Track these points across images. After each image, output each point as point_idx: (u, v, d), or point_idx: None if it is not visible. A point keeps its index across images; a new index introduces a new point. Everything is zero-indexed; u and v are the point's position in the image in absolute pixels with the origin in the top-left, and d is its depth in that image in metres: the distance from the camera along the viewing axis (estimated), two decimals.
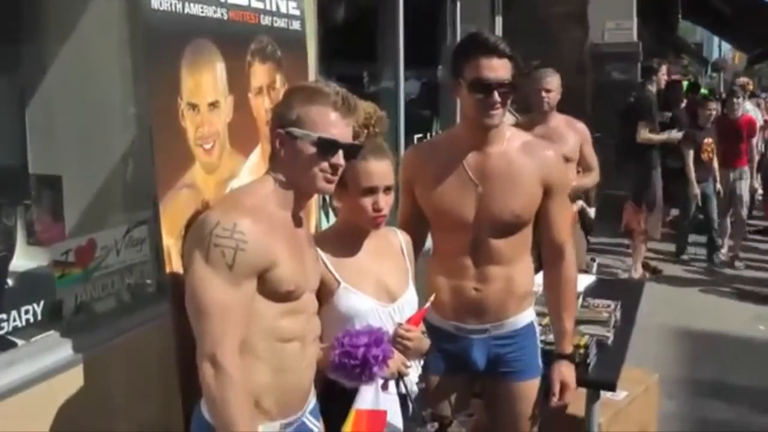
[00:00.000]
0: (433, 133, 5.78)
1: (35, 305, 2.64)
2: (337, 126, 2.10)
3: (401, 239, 2.59)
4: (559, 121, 4.92)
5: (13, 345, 2.61)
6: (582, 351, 3.17)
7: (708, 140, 7.97)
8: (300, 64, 2.98)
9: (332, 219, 3.74)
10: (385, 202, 2.39)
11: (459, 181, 2.64)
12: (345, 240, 2.46)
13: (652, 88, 7.75)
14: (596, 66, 10.30)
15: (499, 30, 7.27)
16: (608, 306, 3.71)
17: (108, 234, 2.88)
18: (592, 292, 4.01)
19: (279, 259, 2.03)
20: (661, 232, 9.58)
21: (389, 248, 2.57)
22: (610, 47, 10.19)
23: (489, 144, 2.64)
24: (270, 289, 2.04)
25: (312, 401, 2.29)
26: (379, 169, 2.36)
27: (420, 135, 5.47)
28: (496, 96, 2.51)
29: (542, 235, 2.79)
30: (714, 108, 8.17)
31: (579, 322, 3.48)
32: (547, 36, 9.43)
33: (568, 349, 2.88)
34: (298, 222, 2.20)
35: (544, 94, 4.77)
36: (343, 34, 5.12)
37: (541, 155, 2.69)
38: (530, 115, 4.98)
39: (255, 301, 2.03)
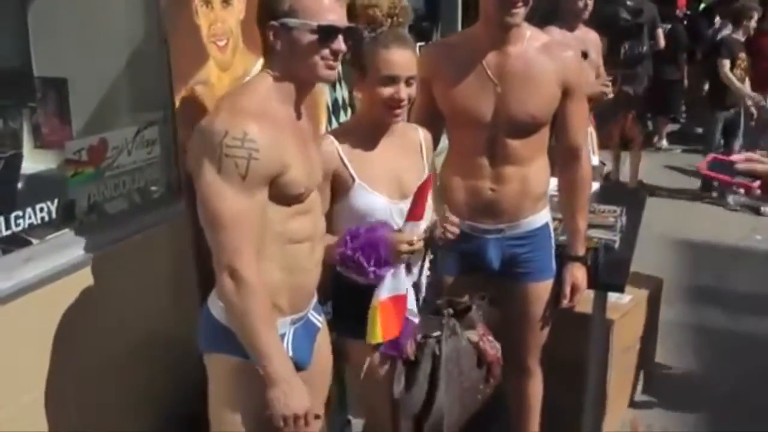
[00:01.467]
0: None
1: (49, 204, 2.63)
2: (333, 10, 2.05)
3: (421, 136, 2.58)
4: (583, 31, 4.87)
5: (28, 243, 2.62)
6: (591, 254, 3.19)
7: (742, 54, 7.49)
8: None
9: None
10: (406, 93, 2.35)
11: (478, 79, 2.62)
12: (363, 134, 2.43)
13: None
14: None
15: None
16: (614, 211, 3.73)
17: (119, 134, 2.85)
18: (597, 197, 4.02)
19: (290, 161, 2.01)
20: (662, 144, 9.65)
21: (408, 144, 2.54)
22: None
23: (509, 43, 2.61)
24: (281, 193, 2.02)
25: (314, 297, 2.32)
26: (402, 58, 2.32)
27: (422, 44, 5.38)
28: None
29: (558, 136, 2.79)
30: (755, 15, 7.53)
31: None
32: None
33: (581, 251, 2.90)
34: (300, 116, 2.17)
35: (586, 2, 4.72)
36: None
37: (560, 56, 2.66)
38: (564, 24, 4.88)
39: (266, 207, 2.03)
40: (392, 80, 2.31)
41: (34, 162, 3.37)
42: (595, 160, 5.12)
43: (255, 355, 2.00)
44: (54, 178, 2.93)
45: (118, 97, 3.14)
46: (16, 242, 2.61)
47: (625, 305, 3.64)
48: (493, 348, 2.59)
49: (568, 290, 2.85)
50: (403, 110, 2.38)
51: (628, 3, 7.53)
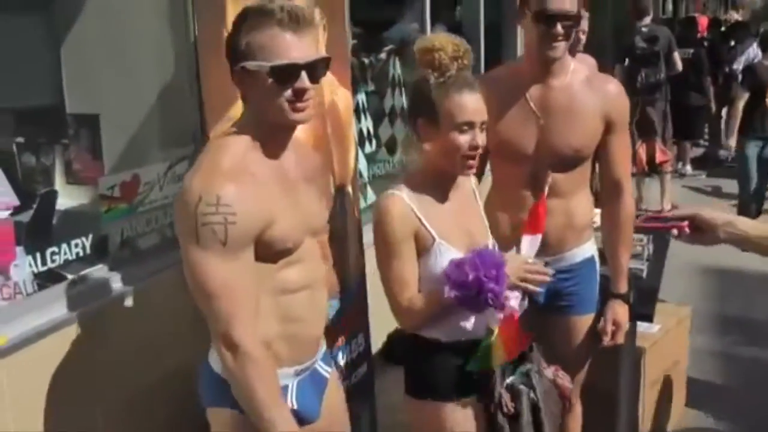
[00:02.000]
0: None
1: (83, 239, 2.68)
2: (291, 46, 1.85)
3: (473, 182, 2.51)
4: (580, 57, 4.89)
5: (63, 278, 2.67)
6: None
7: None
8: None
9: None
10: (482, 139, 2.24)
11: (522, 112, 2.62)
12: (432, 187, 2.30)
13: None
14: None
15: None
16: (641, 240, 3.72)
17: (150, 170, 2.90)
18: None
19: (273, 217, 1.88)
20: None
21: (467, 192, 2.45)
22: None
23: (552, 76, 2.62)
24: (267, 249, 1.90)
25: (323, 347, 2.21)
26: (476, 103, 2.22)
27: None
28: (559, 28, 2.49)
29: (601, 170, 2.77)
30: None
31: None
32: None
33: (624, 288, 2.85)
34: (285, 161, 1.99)
35: (581, 35, 4.74)
36: None
37: (603, 89, 2.66)
38: None
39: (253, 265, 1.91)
40: (468, 127, 2.20)
41: (66, 198, 3.42)
42: None
43: (256, 420, 1.88)
44: (87, 214, 2.98)
45: (150, 132, 3.19)
46: (51, 278, 2.66)
47: (655, 334, 3.62)
48: (566, 381, 2.51)
49: (609, 328, 2.80)
50: (477, 159, 2.27)
51: (643, 30, 7.59)
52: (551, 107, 2.62)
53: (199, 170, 1.86)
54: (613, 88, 2.70)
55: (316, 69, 1.90)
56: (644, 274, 3.43)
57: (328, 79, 2.69)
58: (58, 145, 3.59)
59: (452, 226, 2.30)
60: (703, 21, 12.00)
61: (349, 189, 2.95)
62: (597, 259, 2.87)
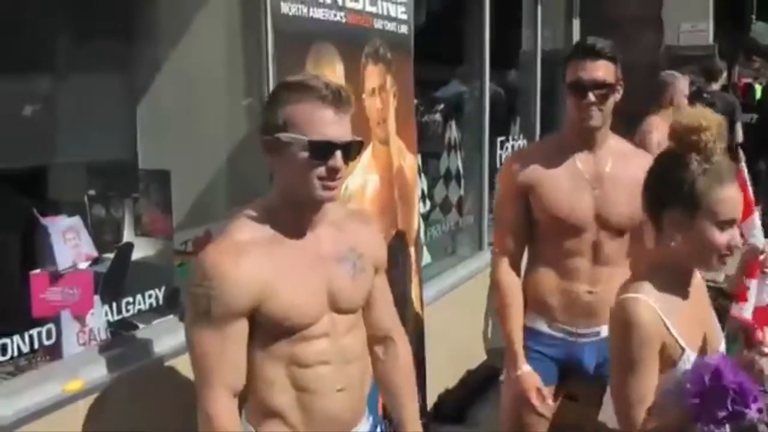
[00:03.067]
0: (513, 136, 5.82)
1: (156, 291, 2.80)
2: (330, 124, 1.84)
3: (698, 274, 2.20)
4: None
5: (134, 327, 2.79)
6: None
7: None
8: (406, 66, 3.09)
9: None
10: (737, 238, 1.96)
11: (575, 183, 2.67)
12: (673, 286, 1.99)
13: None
14: (672, 69, 10.21)
15: (576, 33, 7.29)
16: None
17: (221, 227, 3.01)
18: None
19: (269, 293, 1.86)
20: None
21: (701, 287, 2.15)
22: (685, 50, 10.07)
23: (597, 146, 2.68)
24: (268, 322, 1.90)
25: (363, 428, 2.11)
26: (739, 197, 1.97)
27: (502, 138, 5.52)
28: (591, 97, 2.55)
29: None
30: None
31: None
32: (622, 38, 9.38)
33: None
34: (310, 237, 1.96)
35: None
36: (430, 35, 5.22)
37: (644, 162, 2.64)
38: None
39: (259, 334, 1.91)
40: (730, 225, 1.93)
41: (135, 250, 3.55)
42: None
43: None
44: (159, 266, 3.10)
45: (220, 190, 3.31)
46: (124, 326, 2.78)
47: None
48: None
49: None
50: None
51: (705, 96, 7.49)
52: (602, 175, 2.67)
53: (214, 241, 1.96)
54: (650, 161, 2.72)
55: (350, 150, 1.90)
56: None
57: (397, 145, 2.80)
58: (128, 199, 3.74)
59: (694, 331, 1.99)
60: (744, 85, 11.93)
61: (412, 250, 3.04)
62: None
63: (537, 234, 2.78)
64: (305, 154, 1.84)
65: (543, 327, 2.74)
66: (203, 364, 1.87)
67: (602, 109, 2.59)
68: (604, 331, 2.59)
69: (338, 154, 1.86)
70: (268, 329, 1.91)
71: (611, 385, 2.04)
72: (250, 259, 1.85)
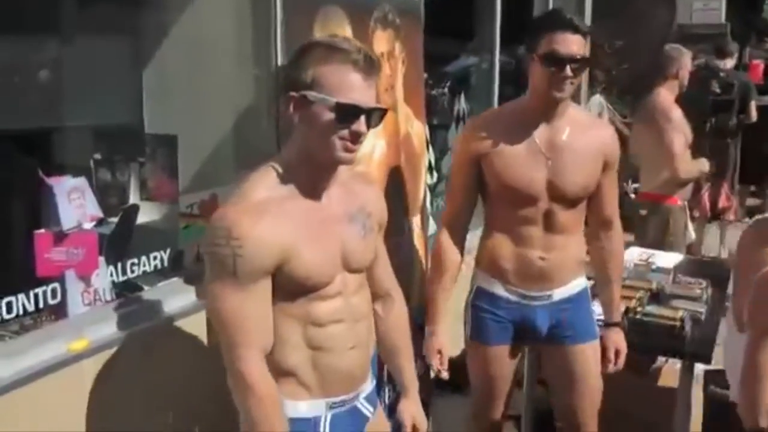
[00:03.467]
0: None
1: (161, 253, 2.80)
2: (358, 88, 1.86)
3: None
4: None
5: (139, 288, 2.79)
6: (678, 324, 3.22)
7: None
8: (415, 33, 3.07)
9: None
10: None
11: (530, 153, 2.70)
12: None
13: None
14: (684, 47, 10.12)
15: (588, 9, 7.22)
16: (700, 283, 3.75)
17: (228, 191, 3.01)
18: (682, 269, 4.05)
19: (291, 252, 1.88)
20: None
21: None
22: (697, 28, 9.97)
23: (556, 118, 2.71)
24: (288, 282, 1.92)
25: (368, 386, 2.19)
26: None
27: None
28: (568, 70, 2.57)
29: (594, 207, 2.87)
30: None
31: (672, 297, 3.56)
32: (634, 16, 9.32)
33: (618, 317, 3.00)
34: (323, 197, 1.99)
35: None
36: (440, 8, 5.19)
37: (601, 132, 2.83)
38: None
39: (277, 293, 1.92)
40: None
41: (140, 214, 3.55)
42: (692, 234, 5.16)
43: None
44: (165, 229, 3.09)
45: (226, 155, 3.31)
46: (128, 287, 2.78)
47: None
48: None
49: (612, 354, 2.93)
50: None
51: (721, 75, 7.42)
52: (557, 147, 2.71)
53: (228, 202, 1.93)
54: (608, 132, 2.87)
55: (373, 116, 1.92)
56: (703, 318, 3.45)
57: (405, 111, 2.78)
58: (134, 163, 3.73)
59: None
60: (756, 67, 11.82)
61: (418, 219, 3.03)
62: (589, 289, 2.98)
63: (491, 201, 2.84)
64: (331, 116, 1.85)
65: (499, 290, 2.83)
66: (233, 325, 1.87)
67: (574, 82, 2.63)
68: (556, 294, 2.83)
69: (363, 118, 1.87)
70: (285, 289, 1.92)
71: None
72: (271, 218, 1.86)
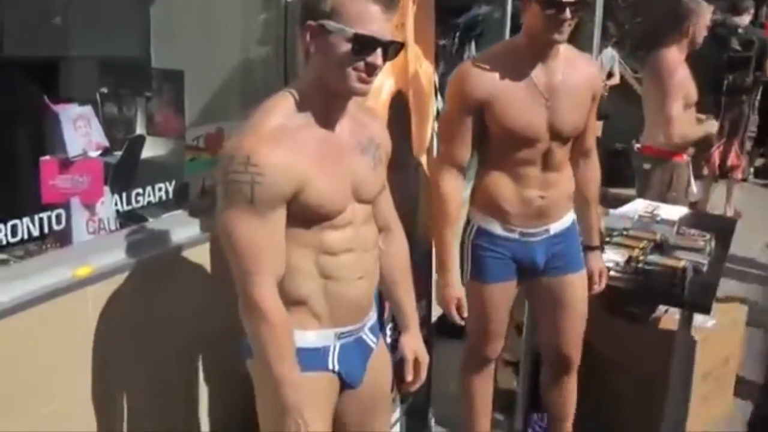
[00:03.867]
0: None
1: (167, 184, 2.80)
2: (377, 21, 1.86)
3: None
4: None
5: (144, 219, 2.80)
6: (680, 273, 3.23)
7: None
8: None
9: None
10: None
11: (530, 96, 2.71)
12: None
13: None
14: None
15: None
16: (704, 236, 3.75)
17: (234, 125, 3.00)
18: (686, 222, 4.05)
19: (307, 181, 1.89)
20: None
21: None
22: None
23: (551, 58, 2.72)
24: (303, 211, 1.92)
25: (372, 317, 2.22)
26: None
27: None
28: (568, 13, 2.57)
29: (576, 140, 2.91)
30: None
31: (676, 248, 3.56)
32: None
33: (597, 240, 3.11)
34: (336, 127, 2.00)
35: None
36: None
37: (589, 69, 2.89)
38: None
39: (290, 223, 1.92)
40: None
41: (146, 148, 3.56)
42: (694, 190, 5.14)
43: (267, 375, 1.93)
44: (170, 162, 3.10)
45: (233, 90, 3.31)
46: (133, 218, 2.79)
47: (709, 328, 3.64)
48: None
49: (596, 277, 3.06)
50: None
51: (740, 31, 7.33)
52: (554, 87, 2.74)
53: (242, 130, 1.91)
54: (595, 68, 3.02)
55: (389, 50, 1.91)
56: (704, 269, 3.46)
57: (414, 50, 2.76)
58: (140, 98, 3.73)
59: None
60: None
61: (424, 158, 3.02)
62: (576, 221, 3.06)
63: (490, 143, 2.81)
64: (348, 47, 1.85)
65: (497, 229, 2.86)
66: (248, 251, 1.86)
67: (571, 24, 2.64)
68: (552, 229, 2.91)
69: (379, 51, 1.87)
70: (299, 217, 1.93)
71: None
72: (289, 146, 1.86)
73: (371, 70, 1.88)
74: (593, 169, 3.06)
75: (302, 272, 1.98)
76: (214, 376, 2.96)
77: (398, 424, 3.23)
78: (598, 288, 3.07)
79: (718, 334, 3.71)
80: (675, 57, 4.60)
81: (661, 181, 4.80)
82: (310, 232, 1.96)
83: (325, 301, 2.03)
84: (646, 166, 4.87)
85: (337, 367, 2.07)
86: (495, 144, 2.79)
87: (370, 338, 2.20)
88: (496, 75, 2.70)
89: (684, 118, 4.64)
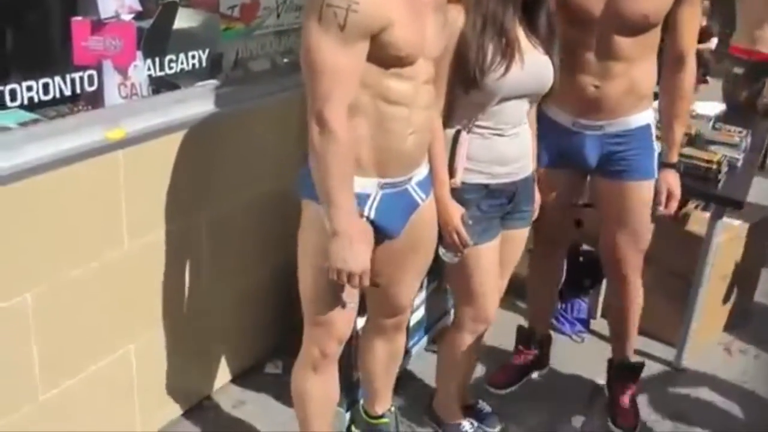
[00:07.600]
0: None
1: (200, 53, 2.76)
2: None
3: None
4: None
5: (176, 87, 2.76)
6: (715, 167, 3.19)
7: None
8: None
9: None
10: None
11: None
12: None
13: None
14: None
15: None
16: (740, 132, 3.69)
17: None
18: (723, 118, 3.99)
19: (394, 21, 1.95)
20: None
21: None
22: None
23: None
24: (381, 51, 1.98)
25: (422, 173, 2.27)
26: None
27: None
28: None
29: (668, 40, 2.70)
30: None
31: (710, 142, 3.51)
32: None
33: (675, 158, 2.83)
34: None
35: None
36: None
37: None
38: None
39: (366, 59, 1.98)
40: None
41: (179, 19, 3.48)
42: None
43: (324, 201, 2.00)
44: (204, 32, 3.03)
45: None
46: (165, 85, 2.75)
47: (737, 227, 3.59)
48: None
49: (663, 197, 2.80)
50: None
51: None
52: None
53: None
54: None
55: None
56: (739, 164, 3.41)
57: None
58: None
59: None
60: None
61: None
62: (654, 128, 2.82)
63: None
64: None
65: (552, 113, 2.72)
66: (329, 75, 1.92)
67: None
68: (608, 127, 2.71)
69: None
70: (374, 56, 1.97)
71: None
72: None
73: None
74: (685, 81, 2.72)
75: (360, 113, 2.03)
76: (252, 241, 3.00)
77: (421, 307, 3.27)
78: (662, 209, 2.82)
79: (739, 238, 3.65)
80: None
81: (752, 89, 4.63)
82: (378, 73, 2.01)
83: (373, 150, 2.09)
84: (738, 70, 4.66)
85: (372, 215, 2.15)
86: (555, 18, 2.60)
87: (417, 193, 2.26)
88: None
89: None
